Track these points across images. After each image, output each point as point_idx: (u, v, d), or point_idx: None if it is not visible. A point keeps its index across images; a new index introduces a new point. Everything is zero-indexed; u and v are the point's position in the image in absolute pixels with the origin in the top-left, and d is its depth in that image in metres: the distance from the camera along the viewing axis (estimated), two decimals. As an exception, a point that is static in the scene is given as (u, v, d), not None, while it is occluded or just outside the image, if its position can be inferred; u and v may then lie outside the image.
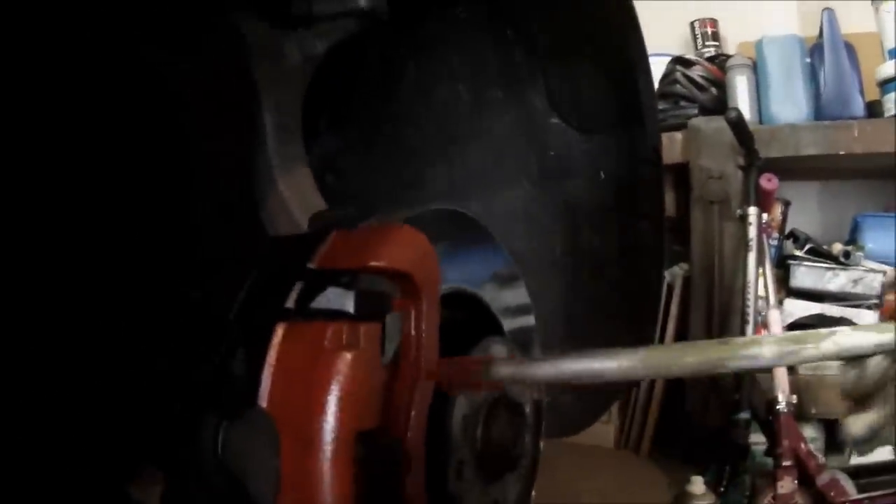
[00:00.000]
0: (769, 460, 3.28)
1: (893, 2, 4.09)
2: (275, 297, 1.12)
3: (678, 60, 4.39)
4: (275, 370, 1.07)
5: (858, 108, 4.10)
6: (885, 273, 3.97)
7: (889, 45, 4.13)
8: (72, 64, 1.34)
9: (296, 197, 1.65)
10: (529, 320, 1.69)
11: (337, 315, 1.07)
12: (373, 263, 1.11)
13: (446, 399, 1.25)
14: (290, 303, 1.10)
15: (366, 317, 1.08)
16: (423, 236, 1.20)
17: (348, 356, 1.04)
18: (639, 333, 2.24)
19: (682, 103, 4.23)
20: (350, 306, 1.06)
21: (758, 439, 3.43)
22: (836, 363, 3.84)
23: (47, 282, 1.28)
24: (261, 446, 1.06)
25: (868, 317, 3.89)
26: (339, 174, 2.15)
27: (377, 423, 1.10)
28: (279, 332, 1.08)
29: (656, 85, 4.28)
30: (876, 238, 4.11)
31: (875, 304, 3.97)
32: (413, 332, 1.16)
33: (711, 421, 3.64)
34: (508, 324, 1.57)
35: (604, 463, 3.95)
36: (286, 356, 1.07)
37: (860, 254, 3.98)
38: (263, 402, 1.07)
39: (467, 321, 1.46)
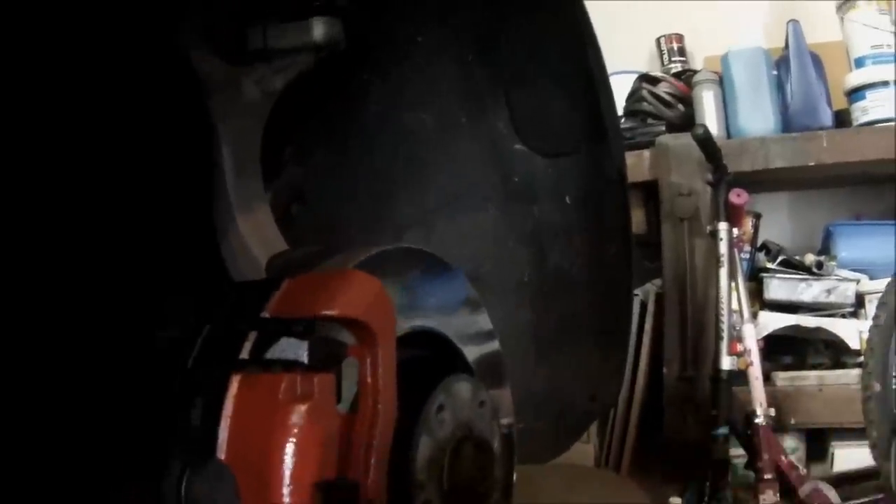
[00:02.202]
0: (751, 474, 3.28)
1: (859, 11, 4.10)
2: (230, 347, 1.11)
3: (644, 78, 4.38)
4: (232, 422, 1.06)
5: (826, 118, 4.10)
6: (858, 281, 3.97)
7: (855, 54, 4.14)
8: None
9: (255, 235, 1.64)
10: (494, 345, 1.68)
11: (291, 365, 1.06)
12: (325, 312, 1.10)
13: (410, 442, 1.24)
14: (245, 353, 1.10)
15: (320, 366, 1.06)
16: (376, 281, 1.19)
17: (303, 408, 1.03)
18: (609, 355, 2.23)
19: (650, 121, 4.21)
20: (304, 356, 1.06)
21: (738, 452, 3.42)
22: (813, 373, 3.85)
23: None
24: (222, 498, 1.05)
25: (844, 325, 3.89)
26: (306, 204, 2.14)
27: (336, 472, 1.09)
28: (235, 383, 1.07)
29: (623, 103, 4.30)
30: (848, 247, 4.11)
31: (850, 313, 3.97)
32: (369, 379, 1.15)
33: (689, 437, 3.62)
34: (475, 352, 1.56)
35: (584, 482, 3.93)
36: (242, 408, 1.06)
37: (833, 263, 3.97)
38: (222, 453, 1.06)
39: (431, 360, 1.45)
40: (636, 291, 3.98)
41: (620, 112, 4.31)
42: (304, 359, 1.06)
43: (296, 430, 1.03)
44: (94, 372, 1.23)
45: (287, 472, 1.02)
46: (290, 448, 1.02)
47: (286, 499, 1.01)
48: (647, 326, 3.98)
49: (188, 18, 1.55)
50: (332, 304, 1.11)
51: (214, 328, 1.17)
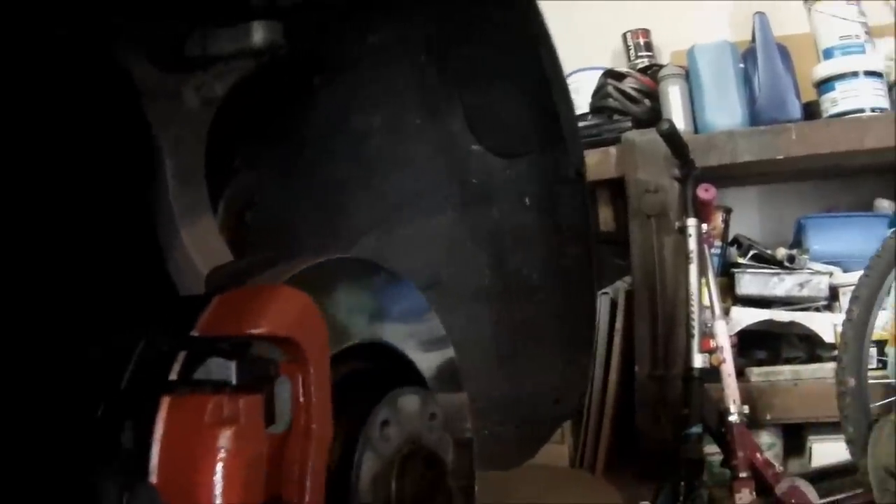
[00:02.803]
0: (726, 472, 3.25)
1: (826, 1, 4.09)
2: (160, 367, 1.07)
3: (609, 74, 4.36)
4: (162, 444, 1.03)
5: (795, 110, 4.09)
6: (831, 274, 3.95)
7: (824, 45, 4.12)
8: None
9: (199, 246, 1.61)
10: (448, 352, 1.65)
11: (220, 386, 1.02)
12: (253, 331, 1.07)
13: (351, 459, 1.21)
14: (174, 373, 1.06)
15: (248, 387, 1.03)
16: (304, 296, 1.15)
17: (228, 432, 1.00)
18: (573, 358, 2.20)
19: (616, 117, 4.19)
20: (232, 376, 1.02)
21: (713, 450, 3.39)
22: (787, 367, 3.84)
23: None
24: (156, 522, 1.02)
25: (818, 319, 3.88)
26: (259, 210, 2.12)
27: (268, 495, 1.06)
28: (164, 404, 1.04)
29: (589, 100, 4.28)
30: (820, 239, 4.10)
31: (824, 306, 3.96)
32: (302, 397, 1.11)
33: (663, 436, 3.60)
34: (427, 360, 1.54)
35: (559, 483, 3.91)
36: (171, 430, 1.04)
37: (805, 257, 3.96)
38: (154, 476, 1.03)
39: (378, 372, 1.42)
40: (606, 290, 3.97)
41: (586, 109, 4.29)
42: (233, 379, 1.03)
43: (221, 454, 1.00)
44: (24, 391, 1.19)
45: (214, 496, 0.99)
46: (216, 471, 0.99)
47: (215, 524, 0.98)
48: (618, 325, 3.96)
49: (123, 27, 1.51)
50: (260, 322, 1.08)
51: (147, 345, 1.13)
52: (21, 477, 1.14)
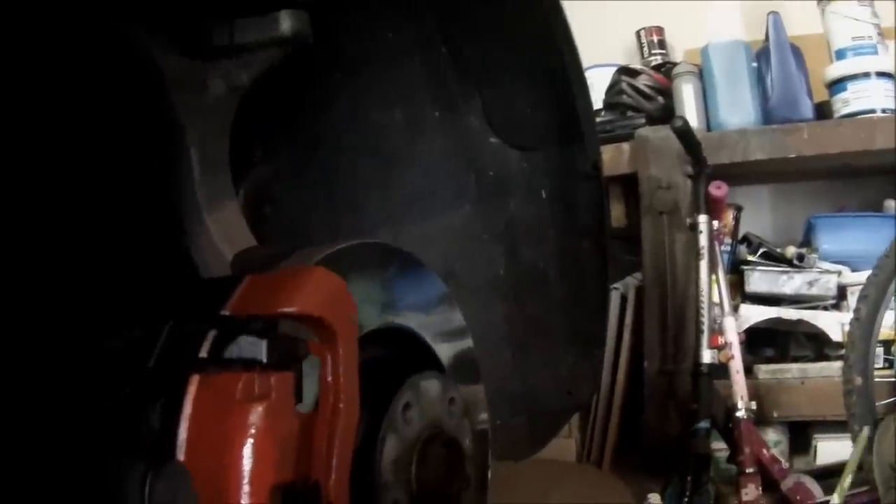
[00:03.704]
0: (732, 468, 3.26)
1: (839, 2, 4.10)
2: (189, 346, 1.09)
3: (623, 70, 4.36)
4: (190, 422, 1.05)
5: (807, 110, 4.09)
6: (839, 274, 3.96)
7: (836, 45, 4.13)
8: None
9: (224, 233, 1.62)
10: (468, 342, 1.67)
11: (250, 364, 1.04)
12: (284, 309, 1.08)
13: (375, 441, 1.23)
14: (203, 352, 1.08)
15: (278, 365, 1.05)
16: (336, 278, 1.17)
17: (260, 408, 1.01)
18: (585, 354, 2.22)
19: (629, 114, 4.20)
20: (262, 354, 1.04)
21: (720, 446, 3.40)
22: (795, 365, 3.85)
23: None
24: (182, 500, 1.04)
25: (826, 318, 3.89)
26: (276, 204, 2.13)
27: (296, 473, 1.07)
28: (193, 383, 1.06)
29: (603, 96, 4.29)
30: (830, 239, 4.10)
31: (832, 305, 3.97)
32: (330, 377, 1.13)
33: (670, 431, 3.61)
34: (446, 349, 1.55)
35: (566, 477, 3.92)
36: (201, 408, 1.05)
37: (814, 255, 3.97)
38: (181, 454, 1.04)
39: (400, 357, 1.44)
40: (616, 285, 3.97)
41: (600, 105, 4.30)
42: (263, 357, 1.04)
43: (252, 431, 1.01)
44: (54, 371, 1.21)
45: (244, 474, 1.01)
46: (246, 449, 1.01)
47: (243, 500, 1.00)
48: (628, 320, 3.97)
49: (151, 15, 1.53)
50: (292, 301, 1.10)
51: (175, 326, 1.15)
52: (44, 457, 1.15)
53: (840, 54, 4.09)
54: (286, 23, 1.64)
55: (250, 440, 1.01)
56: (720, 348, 3.31)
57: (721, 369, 3.33)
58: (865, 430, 3.03)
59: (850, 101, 4.00)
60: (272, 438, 1.02)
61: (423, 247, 2.07)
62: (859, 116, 3.95)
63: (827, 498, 3.14)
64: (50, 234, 1.44)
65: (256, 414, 1.01)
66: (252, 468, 1.00)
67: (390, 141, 2.13)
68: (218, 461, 1.02)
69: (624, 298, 3.99)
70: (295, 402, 1.09)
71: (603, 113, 4.24)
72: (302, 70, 1.85)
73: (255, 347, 1.05)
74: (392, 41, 2.03)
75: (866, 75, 3.99)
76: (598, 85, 4.34)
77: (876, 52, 4.04)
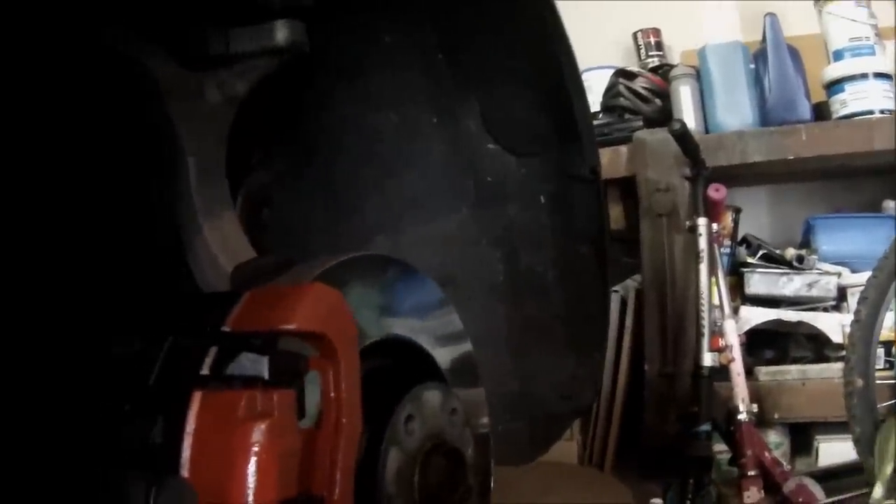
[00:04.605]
0: (734, 470, 3.26)
1: (837, 3, 4.10)
2: (191, 363, 1.09)
3: (621, 73, 4.36)
4: (194, 439, 1.05)
5: (805, 111, 4.10)
6: (839, 275, 3.96)
7: (834, 46, 4.13)
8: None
9: (221, 242, 1.61)
10: (467, 347, 1.67)
11: (252, 381, 1.04)
12: (285, 326, 1.08)
13: (377, 454, 1.23)
14: (205, 368, 1.08)
15: (280, 382, 1.05)
16: (335, 293, 1.17)
17: (263, 426, 1.01)
18: (584, 359, 2.21)
19: (627, 116, 4.20)
20: (264, 371, 1.04)
21: (721, 448, 3.40)
22: (795, 367, 3.85)
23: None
24: (185, 515, 1.04)
25: (826, 319, 3.89)
26: (274, 209, 2.13)
27: (299, 488, 1.07)
28: (196, 399, 1.05)
29: (600, 98, 4.29)
30: (829, 240, 4.10)
31: (832, 307, 3.97)
32: (332, 392, 1.13)
33: (671, 433, 3.61)
34: (446, 355, 1.55)
35: (567, 480, 3.92)
36: (204, 425, 1.05)
37: (814, 257, 3.97)
38: (185, 470, 1.04)
39: (401, 368, 1.43)
40: (616, 288, 3.97)
41: (597, 108, 4.30)
42: (265, 374, 1.04)
43: (256, 449, 1.01)
44: (54, 386, 1.21)
45: (248, 490, 1.01)
46: (251, 466, 1.01)
47: (247, 518, 1.00)
48: (628, 323, 3.97)
49: (146, 25, 1.53)
50: (292, 318, 1.10)
51: (176, 342, 1.14)
52: (47, 470, 1.15)
53: (838, 55, 4.09)
54: (282, 33, 1.64)
55: (254, 458, 1.01)
56: (721, 351, 3.31)
57: (722, 371, 3.33)
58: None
59: (848, 102, 4.01)
60: (276, 455, 1.02)
61: (421, 252, 2.07)
62: (857, 118, 3.95)
63: (828, 500, 3.14)
64: (48, 245, 1.44)
65: (260, 432, 1.01)
66: (256, 485, 1.00)
67: (388, 146, 2.13)
68: (222, 478, 1.02)
69: (624, 301, 3.99)
70: (297, 418, 1.09)
71: (600, 116, 4.25)
72: (299, 76, 1.85)
73: (256, 365, 1.05)
74: (389, 46, 2.03)
75: (864, 76, 4.00)
76: (595, 87, 4.35)
77: (874, 53, 4.04)
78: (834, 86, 4.07)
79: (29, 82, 1.39)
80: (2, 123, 1.36)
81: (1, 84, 1.35)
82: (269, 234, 2.09)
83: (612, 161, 3.92)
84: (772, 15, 4.17)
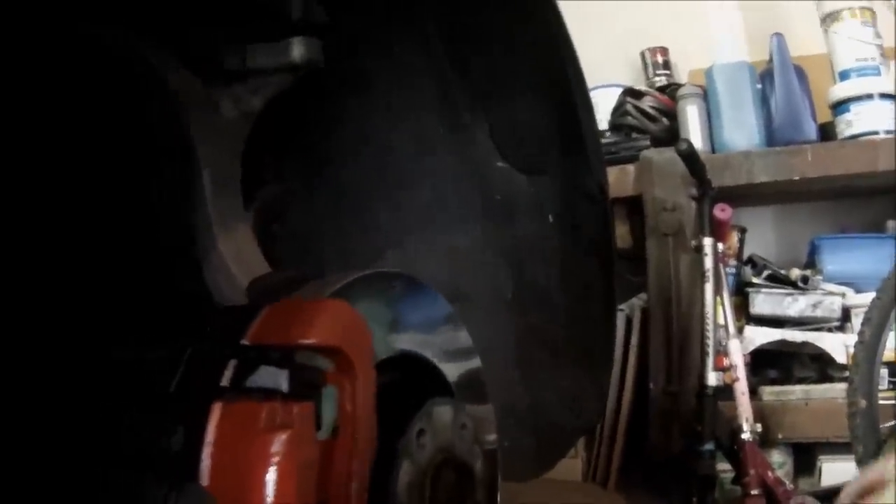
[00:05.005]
0: (737, 489, 3.27)
1: (843, 23, 4.12)
2: (211, 374, 1.10)
3: (628, 92, 4.38)
4: (213, 449, 1.06)
5: (811, 131, 4.11)
6: (844, 295, 3.97)
7: (840, 66, 4.14)
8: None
9: (235, 255, 1.63)
10: (475, 363, 1.68)
11: (271, 394, 1.05)
12: (304, 341, 1.10)
13: (390, 467, 1.24)
14: (225, 380, 1.09)
15: (299, 395, 1.06)
16: (351, 309, 1.19)
17: (282, 437, 1.03)
18: (592, 376, 2.22)
19: (634, 135, 4.21)
20: (283, 384, 1.05)
21: (725, 467, 3.41)
22: (799, 387, 3.86)
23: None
24: (204, 523, 1.05)
25: (831, 340, 3.90)
26: (285, 222, 2.14)
27: (316, 499, 1.09)
28: (217, 410, 1.07)
29: (608, 117, 4.30)
30: (834, 260, 4.11)
31: (836, 327, 3.98)
32: (348, 406, 1.15)
33: (675, 452, 3.61)
34: (455, 370, 1.56)
35: (571, 497, 3.92)
36: (224, 435, 1.06)
37: (819, 277, 3.98)
38: (204, 479, 1.05)
39: (412, 383, 1.45)
40: (622, 306, 3.98)
41: (605, 126, 4.32)
42: (284, 387, 1.06)
43: (276, 459, 1.03)
44: (73, 392, 1.22)
45: (268, 499, 1.02)
46: (270, 476, 1.02)
47: (267, 526, 1.01)
48: (633, 341, 3.98)
49: (167, 39, 1.55)
50: (311, 333, 1.11)
51: (196, 353, 1.16)
52: (62, 474, 1.16)
53: (844, 75, 4.11)
54: (298, 50, 1.66)
55: (274, 467, 1.02)
56: (725, 370, 3.32)
57: (726, 390, 3.34)
58: None
59: (854, 122, 4.02)
60: (295, 466, 1.04)
61: (430, 265, 2.08)
62: (862, 138, 3.96)
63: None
64: (66, 254, 1.45)
65: (280, 442, 1.03)
66: (276, 494, 1.02)
67: (399, 160, 2.14)
68: (242, 487, 1.04)
69: (629, 319, 4.00)
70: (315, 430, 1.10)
71: (608, 134, 4.26)
72: (312, 90, 1.86)
73: (275, 377, 1.06)
74: (400, 61, 2.04)
75: (869, 97, 4.01)
76: (602, 105, 4.37)
77: (879, 74, 4.06)
78: (840, 106, 4.08)
79: (60, 92, 1.41)
80: (33, 133, 1.38)
81: (35, 94, 1.37)
82: (279, 247, 2.10)
83: (619, 180, 3.93)
84: (779, 35, 4.19)
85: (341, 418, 1.15)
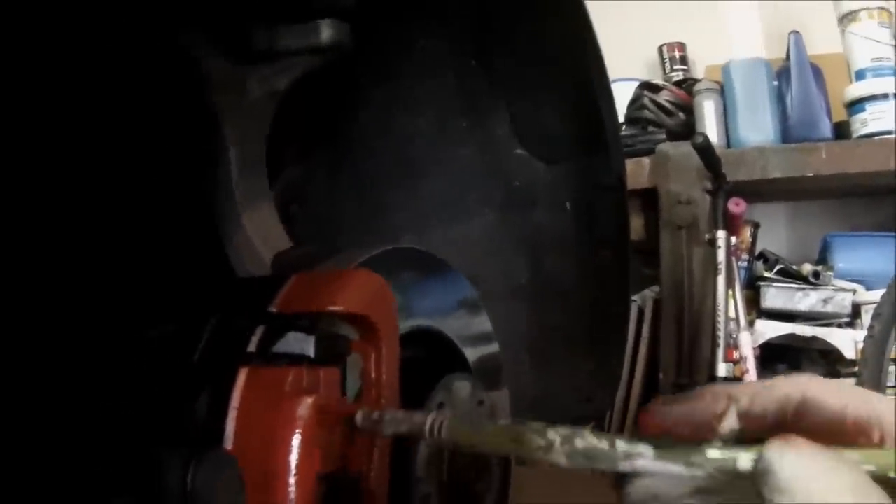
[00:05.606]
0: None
1: (860, 23, 4.13)
2: (237, 341, 1.12)
3: (645, 86, 4.40)
4: (238, 414, 1.06)
5: (826, 129, 4.13)
6: (854, 292, 3.99)
7: (856, 66, 4.16)
8: None
9: (259, 233, 1.64)
10: (494, 347, 1.69)
11: (297, 359, 1.07)
12: (331, 308, 1.11)
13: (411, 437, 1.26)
14: (251, 346, 1.10)
15: (325, 361, 1.08)
16: (380, 279, 1.20)
17: (309, 401, 1.04)
18: (605, 365, 2.23)
19: (650, 128, 4.23)
20: (310, 350, 1.07)
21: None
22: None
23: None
24: (226, 487, 1.06)
25: (840, 335, 3.91)
26: (304, 204, 2.15)
27: (339, 465, 1.10)
28: (242, 375, 1.08)
29: (624, 110, 4.31)
30: (845, 257, 4.14)
31: (846, 323, 3.99)
32: (373, 374, 1.16)
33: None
34: (473, 353, 1.57)
35: (578, 487, 3.93)
36: (249, 400, 1.06)
37: (830, 273, 4.01)
38: (228, 444, 1.07)
39: (432, 358, 1.46)
40: (634, 298, 3.99)
41: (621, 119, 4.33)
42: (311, 353, 1.07)
43: (302, 423, 1.04)
44: (97, 364, 1.24)
45: (292, 464, 1.03)
46: (295, 440, 1.03)
47: (291, 489, 1.02)
48: (644, 332, 3.99)
49: (200, 20, 1.56)
50: (338, 300, 1.12)
51: (221, 321, 1.17)
52: (84, 443, 1.18)
53: (860, 75, 4.13)
54: (327, 32, 1.66)
55: (299, 431, 1.03)
56: (735, 362, 3.34)
57: (735, 383, 3.35)
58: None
59: (869, 121, 4.04)
60: (320, 430, 1.05)
61: (446, 252, 2.09)
62: (877, 137, 3.98)
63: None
64: (94, 230, 1.47)
65: (305, 406, 1.04)
66: (300, 458, 1.03)
67: (418, 148, 2.14)
68: (266, 451, 1.04)
69: (641, 311, 4.01)
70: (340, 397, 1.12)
71: (624, 127, 4.27)
72: (336, 75, 1.87)
73: (303, 343, 1.07)
74: (424, 51, 2.04)
75: (885, 96, 4.04)
76: (619, 99, 4.37)
77: (894, 74, 4.07)
78: (855, 105, 4.11)
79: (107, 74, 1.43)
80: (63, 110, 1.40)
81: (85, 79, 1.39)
82: (297, 228, 2.11)
83: (635, 172, 3.95)
84: (796, 33, 4.21)
85: (365, 385, 1.16)
